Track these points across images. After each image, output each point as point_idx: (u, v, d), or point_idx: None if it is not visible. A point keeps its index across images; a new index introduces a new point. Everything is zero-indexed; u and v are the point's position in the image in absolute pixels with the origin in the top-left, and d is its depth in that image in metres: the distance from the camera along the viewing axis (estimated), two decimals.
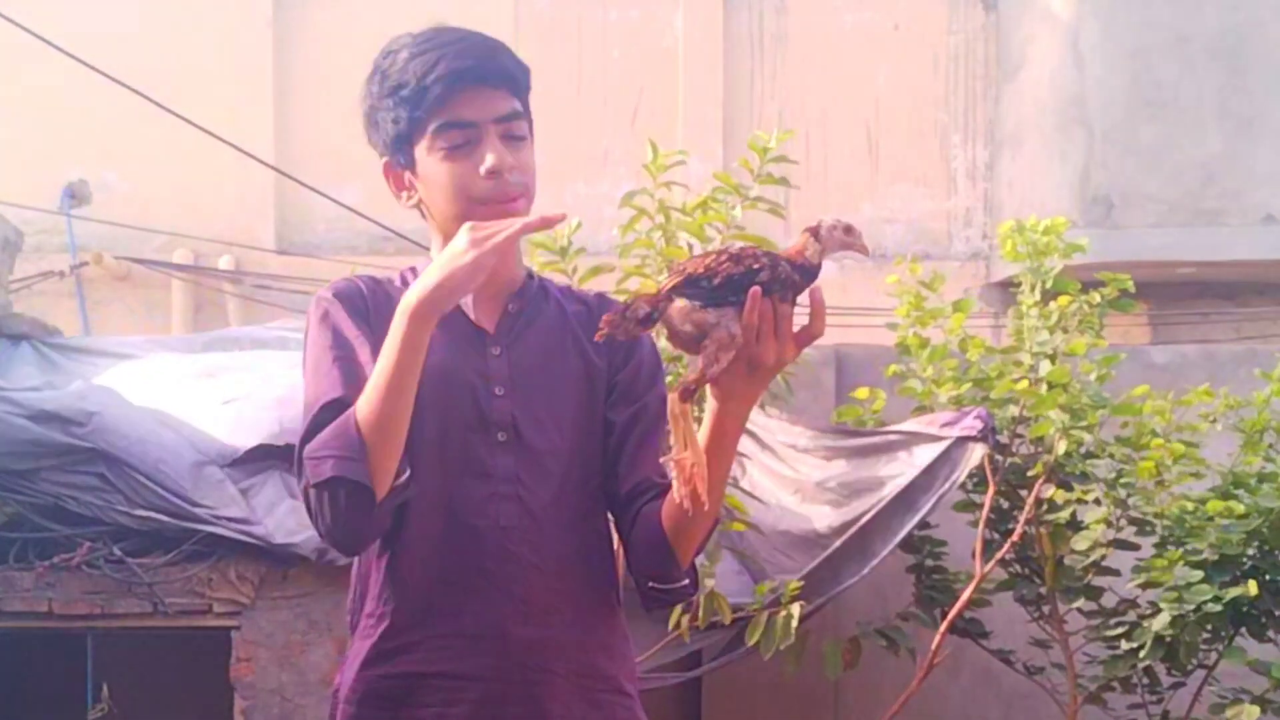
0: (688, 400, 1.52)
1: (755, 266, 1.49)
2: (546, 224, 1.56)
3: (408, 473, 1.57)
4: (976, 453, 3.43)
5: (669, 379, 2.40)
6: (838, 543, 3.54)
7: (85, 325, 6.27)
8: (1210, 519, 3.36)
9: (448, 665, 1.63)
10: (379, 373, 1.54)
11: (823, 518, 3.61)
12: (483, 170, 1.64)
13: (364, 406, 1.54)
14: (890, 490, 3.52)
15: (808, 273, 1.54)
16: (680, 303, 1.49)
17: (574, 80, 6.68)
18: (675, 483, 1.54)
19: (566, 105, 6.55)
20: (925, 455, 3.50)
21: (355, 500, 1.53)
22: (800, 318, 1.53)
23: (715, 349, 1.49)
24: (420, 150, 1.67)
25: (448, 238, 1.62)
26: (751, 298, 1.47)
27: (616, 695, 1.71)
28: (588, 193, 6.47)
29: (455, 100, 1.64)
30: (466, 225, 1.54)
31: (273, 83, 6.64)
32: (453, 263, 1.52)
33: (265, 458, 3.90)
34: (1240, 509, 3.33)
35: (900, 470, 3.54)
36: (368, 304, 1.68)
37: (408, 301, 1.53)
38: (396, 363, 1.52)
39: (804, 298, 1.54)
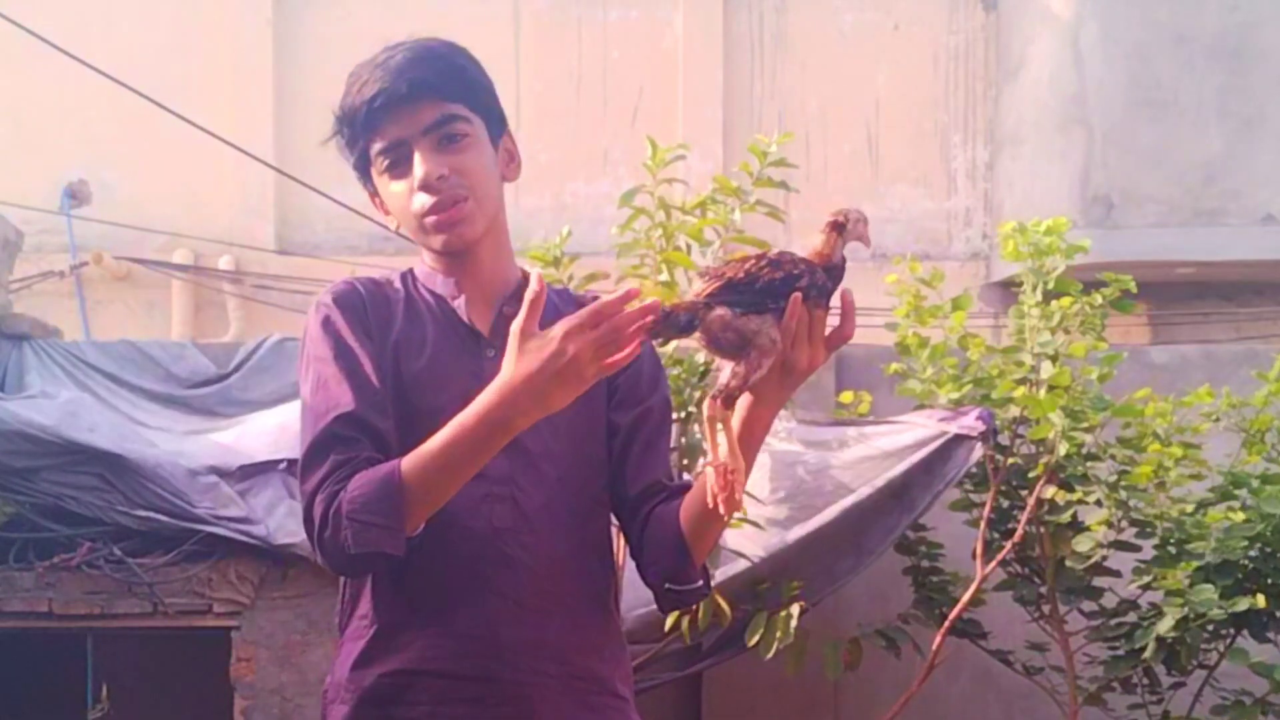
0: (730, 407, 1.52)
1: (795, 272, 1.50)
2: (632, 299, 1.43)
3: (420, 529, 1.58)
4: (975, 452, 3.42)
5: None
6: (830, 534, 3.53)
7: (85, 325, 6.26)
8: (1211, 523, 3.36)
9: (439, 665, 1.63)
10: (445, 450, 1.51)
11: (818, 512, 3.61)
12: (416, 185, 1.65)
13: (416, 475, 1.52)
14: (886, 482, 3.51)
15: (837, 275, 1.55)
16: (720, 309, 1.48)
17: (574, 80, 6.67)
18: (711, 488, 1.52)
19: (566, 105, 6.54)
20: (923, 450, 3.49)
21: (375, 559, 1.56)
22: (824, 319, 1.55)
23: (758, 355, 1.49)
24: (374, 175, 1.71)
25: (427, 251, 1.70)
26: (793, 304, 1.48)
27: (609, 698, 1.71)
28: (587, 192, 6.46)
29: (380, 123, 1.66)
30: (566, 326, 1.42)
31: (273, 83, 6.64)
32: (563, 378, 1.44)
33: (264, 471, 3.91)
34: (1240, 516, 3.32)
35: (896, 464, 3.53)
36: (367, 310, 1.68)
37: (509, 402, 1.46)
38: (468, 456, 1.51)
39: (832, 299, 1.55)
